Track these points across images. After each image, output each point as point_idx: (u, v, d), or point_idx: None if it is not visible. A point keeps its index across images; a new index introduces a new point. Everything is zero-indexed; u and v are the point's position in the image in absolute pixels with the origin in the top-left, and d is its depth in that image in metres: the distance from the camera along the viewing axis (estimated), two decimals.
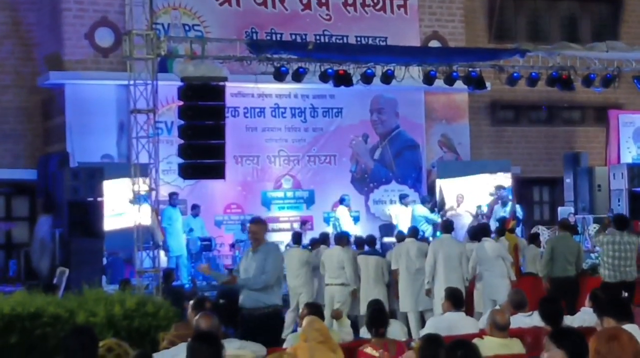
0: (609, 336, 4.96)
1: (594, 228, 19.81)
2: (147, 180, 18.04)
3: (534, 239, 18.58)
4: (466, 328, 10.09)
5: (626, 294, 9.91)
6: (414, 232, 17.55)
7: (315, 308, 10.68)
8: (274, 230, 21.91)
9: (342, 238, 17.40)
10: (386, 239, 20.72)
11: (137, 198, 18.08)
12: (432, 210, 22.78)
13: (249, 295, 11.53)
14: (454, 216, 22.27)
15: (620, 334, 4.98)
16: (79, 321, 13.14)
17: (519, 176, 25.07)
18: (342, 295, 15.71)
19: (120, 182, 19.16)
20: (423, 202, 23.15)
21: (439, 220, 22.20)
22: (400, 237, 17.70)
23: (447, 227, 17.29)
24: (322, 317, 10.34)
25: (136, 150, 18.13)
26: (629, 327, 6.58)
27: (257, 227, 11.78)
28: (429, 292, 15.19)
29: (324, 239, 17.99)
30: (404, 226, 20.57)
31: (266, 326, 11.08)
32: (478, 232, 17.37)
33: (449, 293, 11.48)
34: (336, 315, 13.24)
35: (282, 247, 19.45)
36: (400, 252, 16.40)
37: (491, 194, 23.42)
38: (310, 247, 17.95)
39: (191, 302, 14.34)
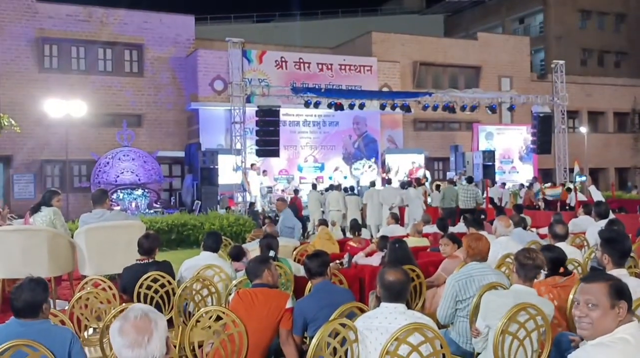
0: (476, 237, 4.99)
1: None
2: (240, 157, 18.19)
3: (436, 188, 18.65)
4: (400, 233, 10.07)
5: (483, 216, 9.93)
6: (373, 183, 17.61)
7: (324, 222, 10.81)
8: (303, 183, 21.99)
9: (338, 186, 17.44)
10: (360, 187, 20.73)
11: (235, 166, 18.26)
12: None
13: None
14: (394, 176, 22.33)
15: (481, 237, 5.03)
16: (206, 228, 13.29)
17: (427, 156, 25.01)
18: (337, 216, 15.75)
19: (226, 157, 19.10)
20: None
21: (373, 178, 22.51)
22: (368, 187, 17.75)
23: (389, 181, 17.32)
24: (327, 226, 10.45)
25: (234, 142, 18.27)
26: (483, 233, 6.68)
27: (279, 202, 11.85)
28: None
29: (328, 188, 18.05)
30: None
31: None
32: (406, 184, 17.41)
33: (391, 215, 11.56)
34: (333, 224, 13.37)
35: (307, 191, 19.63)
36: (368, 195, 16.43)
37: (414, 165, 23.62)
38: (321, 191, 18.04)
39: (262, 218, 14.44)
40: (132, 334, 2.28)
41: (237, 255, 6.94)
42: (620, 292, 2.64)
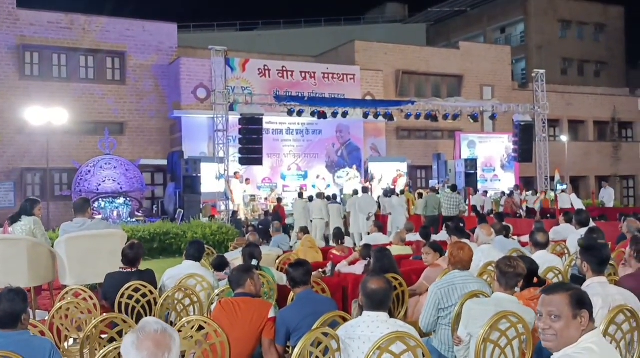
0: (459, 247, 5.01)
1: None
2: (223, 165, 18.12)
3: (419, 196, 18.67)
4: (383, 241, 10.13)
5: (462, 224, 9.95)
6: (356, 192, 17.60)
7: (306, 230, 10.79)
8: (286, 191, 21.96)
9: (321, 195, 17.44)
10: (343, 195, 20.71)
11: (218, 175, 18.17)
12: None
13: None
14: (377, 184, 22.39)
15: (464, 246, 5.05)
16: (189, 237, 13.21)
17: (410, 165, 25.05)
18: (320, 224, 15.76)
19: (209, 166, 18.92)
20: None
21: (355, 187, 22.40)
22: (350, 195, 17.75)
23: (365, 190, 17.34)
24: (310, 234, 10.43)
25: (217, 150, 18.22)
26: (466, 241, 6.70)
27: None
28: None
29: (311, 197, 18.01)
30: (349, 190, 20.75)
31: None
32: (389, 191, 17.48)
33: (374, 223, 11.59)
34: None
35: (292, 200, 19.55)
36: (351, 203, 16.44)
37: (397, 173, 23.57)
38: (307, 199, 17.98)
39: (245, 227, 14.37)
40: (150, 348, 2.18)
41: (219, 265, 6.91)
42: (581, 301, 2.64)
